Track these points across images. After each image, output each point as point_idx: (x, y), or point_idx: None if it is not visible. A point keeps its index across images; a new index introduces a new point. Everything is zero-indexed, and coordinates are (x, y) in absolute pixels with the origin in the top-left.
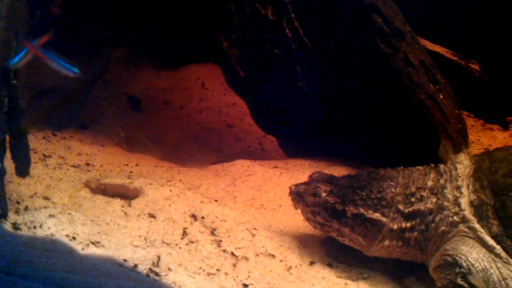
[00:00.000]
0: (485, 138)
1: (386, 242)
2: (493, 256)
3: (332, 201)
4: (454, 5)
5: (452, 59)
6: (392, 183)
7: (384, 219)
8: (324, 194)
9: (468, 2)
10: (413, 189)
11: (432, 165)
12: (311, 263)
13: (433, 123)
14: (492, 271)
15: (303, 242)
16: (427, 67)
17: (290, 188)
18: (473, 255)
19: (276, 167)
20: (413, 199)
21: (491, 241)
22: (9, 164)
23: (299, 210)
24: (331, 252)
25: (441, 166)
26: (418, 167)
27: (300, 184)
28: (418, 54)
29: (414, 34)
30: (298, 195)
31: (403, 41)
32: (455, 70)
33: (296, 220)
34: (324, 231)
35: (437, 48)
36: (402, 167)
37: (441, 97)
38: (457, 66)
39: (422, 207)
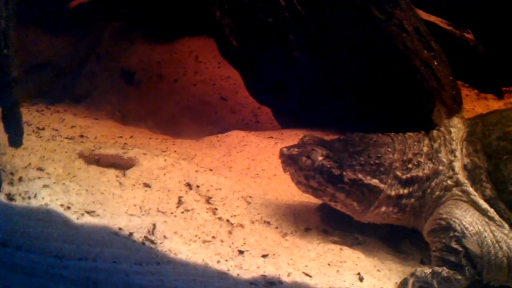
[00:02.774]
0: (480, 107)
1: (383, 209)
2: (486, 220)
3: (329, 166)
4: None
5: (447, 28)
6: (389, 149)
7: (382, 185)
8: (320, 158)
9: None
10: (410, 155)
11: (423, 132)
12: (306, 229)
13: (427, 90)
14: (486, 234)
15: (298, 210)
16: (421, 34)
17: (281, 150)
18: (467, 218)
19: (271, 137)
20: (410, 165)
21: (484, 205)
22: (2, 136)
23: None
24: (326, 219)
25: (434, 132)
26: (410, 134)
27: (292, 146)
28: (412, 20)
29: (408, 1)
30: (290, 158)
31: (397, 8)
32: (450, 40)
33: (291, 188)
34: (316, 195)
35: (432, 18)
36: (393, 133)
37: (436, 63)
38: (451, 35)
39: (420, 173)
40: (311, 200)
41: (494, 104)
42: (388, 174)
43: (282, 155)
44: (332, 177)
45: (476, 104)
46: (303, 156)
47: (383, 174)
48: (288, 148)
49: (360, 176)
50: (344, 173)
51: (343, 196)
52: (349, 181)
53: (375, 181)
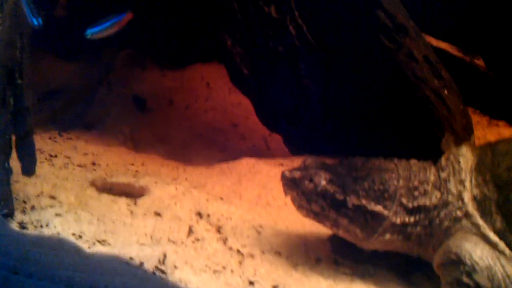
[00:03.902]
0: (491, 134)
1: (387, 236)
2: (497, 253)
3: (332, 190)
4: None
5: (457, 55)
6: (393, 175)
7: (386, 212)
8: (324, 182)
9: None
10: (415, 183)
11: (430, 161)
12: (317, 260)
13: (438, 119)
14: (496, 268)
15: (309, 240)
16: (431, 63)
17: (283, 173)
18: (477, 252)
19: (282, 164)
20: (416, 193)
21: (494, 237)
22: (15, 164)
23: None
24: (336, 249)
25: (442, 161)
26: (414, 161)
27: (294, 169)
28: (422, 49)
29: (418, 30)
30: (292, 181)
31: (406, 37)
32: (460, 66)
33: (302, 217)
34: (317, 220)
35: (441, 44)
36: (396, 159)
37: (446, 92)
38: (461, 62)
39: (427, 202)
40: (321, 230)
41: (506, 131)
42: (392, 201)
43: (283, 178)
44: (335, 202)
45: (487, 131)
46: (306, 179)
47: (387, 201)
48: (290, 171)
49: (364, 202)
50: (348, 198)
51: (346, 221)
52: (352, 207)
53: (379, 208)
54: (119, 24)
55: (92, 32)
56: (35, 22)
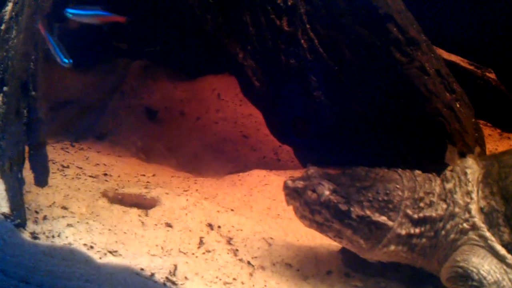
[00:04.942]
0: (502, 147)
1: (392, 247)
2: (505, 267)
3: (336, 201)
4: (469, 14)
5: (468, 68)
6: (397, 186)
7: (390, 223)
8: (327, 193)
9: (483, 11)
10: (421, 194)
11: (434, 173)
12: (328, 272)
13: (449, 132)
14: (504, 283)
15: (320, 252)
16: (443, 76)
17: (285, 182)
18: (484, 267)
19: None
20: (422, 204)
21: (502, 250)
22: (28, 174)
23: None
24: (347, 261)
25: (447, 172)
26: (418, 172)
27: (297, 179)
28: (434, 63)
29: (430, 43)
30: (295, 191)
31: (418, 50)
32: (472, 79)
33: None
34: (320, 231)
35: (453, 57)
36: (400, 169)
37: (458, 105)
38: (473, 75)
39: (433, 214)
40: (332, 242)
41: None
42: (397, 212)
43: (286, 187)
44: (339, 213)
45: (499, 144)
46: (309, 189)
47: (391, 212)
48: (293, 180)
49: (368, 212)
50: (352, 209)
51: (350, 232)
52: (356, 218)
53: (383, 218)
54: (102, 19)
55: (73, 13)
56: (66, 61)
